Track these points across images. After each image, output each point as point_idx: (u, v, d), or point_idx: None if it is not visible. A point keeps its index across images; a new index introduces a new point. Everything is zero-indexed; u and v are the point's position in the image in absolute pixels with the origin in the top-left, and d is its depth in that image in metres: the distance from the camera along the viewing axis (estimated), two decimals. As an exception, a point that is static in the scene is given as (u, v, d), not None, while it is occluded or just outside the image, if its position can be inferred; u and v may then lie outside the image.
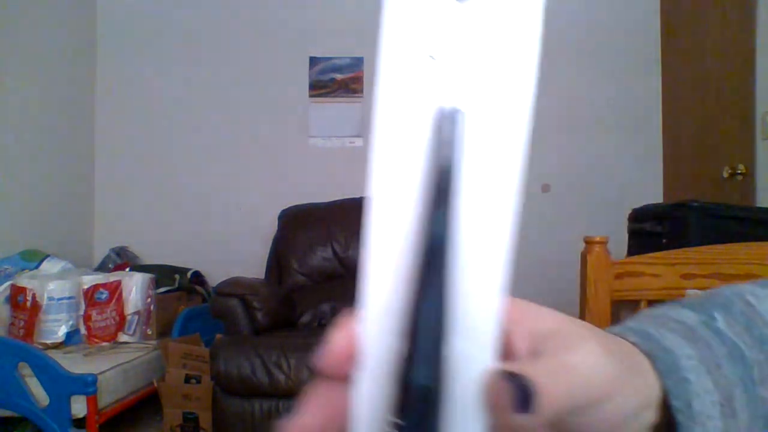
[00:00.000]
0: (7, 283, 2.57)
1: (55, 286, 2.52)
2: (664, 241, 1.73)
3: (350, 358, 0.24)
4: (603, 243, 0.83)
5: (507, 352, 0.26)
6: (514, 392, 0.22)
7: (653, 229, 1.80)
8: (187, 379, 2.41)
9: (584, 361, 0.24)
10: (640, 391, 0.26)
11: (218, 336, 2.46)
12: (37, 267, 2.71)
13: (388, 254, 0.24)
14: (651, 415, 0.27)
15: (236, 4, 3.45)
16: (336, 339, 0.24)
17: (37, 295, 2.47)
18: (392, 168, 0.24)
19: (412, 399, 0.22)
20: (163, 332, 2.75)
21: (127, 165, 3.55)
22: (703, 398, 0.27)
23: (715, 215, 1.70)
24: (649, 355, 0.28)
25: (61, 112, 3.33)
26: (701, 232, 1.65)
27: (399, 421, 0.22)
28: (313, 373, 0.25)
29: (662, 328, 0.30)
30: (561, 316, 0.26)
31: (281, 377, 2.20)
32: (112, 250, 3.33)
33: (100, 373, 2.16)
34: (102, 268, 3.19)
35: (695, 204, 1.73)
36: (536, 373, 0.23)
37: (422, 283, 0.23)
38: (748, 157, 2.38)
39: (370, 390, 0.24)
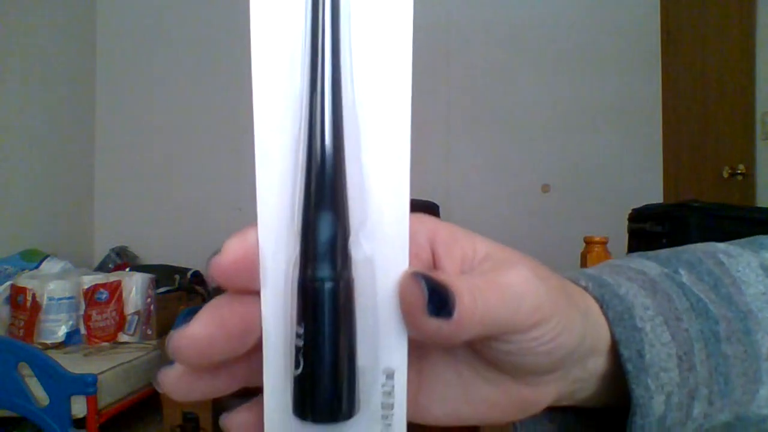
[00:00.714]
0: (7, 283, 2.57)
1: (55, 286, 2.52)
2: (664, 241, 1.73)
3: (246, 268, 0.22)
4: (603, 243, 0.83)
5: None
6: (429, 292, 0.20)
7: (653, 229, 1.80)
8: (187, 379, 2.41)
9: (514, 283, 0.22)
10: (582, 329, 0.25)
11: (218, 336, 2.46)
12: (37, 267, 2.71)
13: (277, 143, 0.21)
14: (600, 363, 0.26)
15: (237, 4, 3.44)
16: (230, 248, 0.22)
17: (37, 295, 2.47)
18: (272, 26, 0.21)
19: (313, 304, 0.20)
20: (163, 332, 2.75)
21: (127, 165, 3.55)
22: (658, 349, 0.26)
23: (715, 215, 1.70)
24: (599, 301, 0.27)
25: (61, 112, 3.33)
26: (701, 232, 1.65)
27: (300, 330, 0.21)
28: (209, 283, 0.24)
29: (620, 276, 0.28)
30: (495, 243, 0.25)
31: (281, 377, 2.20)
32: (112, 250, 3.33)
33: (100, 373, 2.16)
34: (102, 268, 3.19)
35: (695, 204, 1.73)
36: (460, 284, 0.21)
37: (315, 171, 0.21)
38: (748, 157, 2.38)
39: (274, 301, 0.22)
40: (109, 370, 2.25)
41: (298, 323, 0.21)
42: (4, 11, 2.87)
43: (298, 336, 0.21)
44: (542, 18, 3.29)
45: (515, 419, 0.26)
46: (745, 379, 0.28)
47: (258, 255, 0.22)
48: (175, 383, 0.23)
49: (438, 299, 0.20)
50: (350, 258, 0.21)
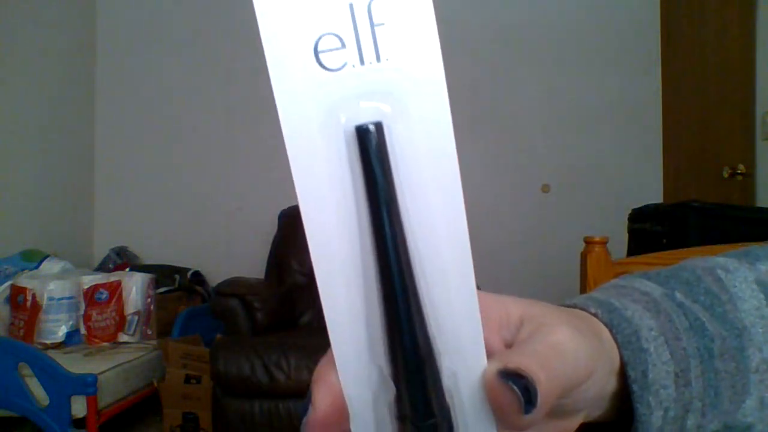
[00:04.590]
0: (7, 283, 2.57)
1: (55, 286, 2.52)
2: (664, 241, 1.73)
3: (339, 417, 0.23)
4: (603, 243, 0.83)
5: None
6: (518, 393, 0.22)
7: (653, 229, 1.80)
8: (187, 379, 2.41)
9: (564, 341, 0.24)
10: (609, 363, 0.27)
11: (218, 336, 2.46)
12: (37, 267, 2.71)
13: (343, 295, 0.22)
14: (613, 383, 0.28)
15: (236, 4, 3.44)
16: (320, 403, 0.23)
17: (37, 295, 2.47)
18: (320, 197, 0.22)
19: None
20: (163, 332, 2.75)
21: (127, 165, 3.55)
22: (659, 368, 0.28)
23: (715, 215, 1.70)
24: (609, 326, 0.28)
25: (61, 112, 3.33)
26: (701, 232, 1.65)
27: None
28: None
29: (625, 298, 0.30)
30: (523, 302, 0.26)
31: (281, 377, 2.20)
32: (112, 250, 3.33)
33: (100, 373, 2.16)
34: (102, 268, 3.19)
35: (695, 204, 1.73)
36: (530, 363, 0.22)
37: (392, 316, 0.21)
38: (748, 157, 2.38)
39: None
40: (109, 370, 2.25)
41: None
42: (4, 11, 2.87)
43: None
44: (542, 18, 3.29)
45: None
46: (733, 391, 0.30)
47: (345, 401, 0.23)
48: None
49: (527, 396, 0.22)
50: (441, 385, 0.22)
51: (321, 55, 0.21)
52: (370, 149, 0.21)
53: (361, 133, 0.21)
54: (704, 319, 0.30)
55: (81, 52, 3.49)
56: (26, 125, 3.05)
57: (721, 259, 0.35)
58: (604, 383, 0.27)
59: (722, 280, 0.33)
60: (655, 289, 0.32)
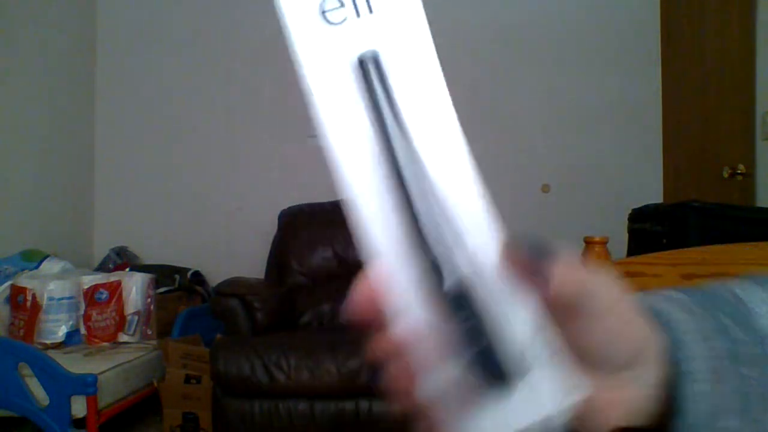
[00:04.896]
0: (7, 283, 2.57)
1: (55, 286, 2.52)
2: (664, 241, 1.73)
3: (377, 301, 0.26)
4: (603, 243, 0.83)
5: None
6: (530, 248, 0.25)
7: (653, 229, 1.80)
8: (187, 380, 2.41)
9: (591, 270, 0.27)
10: (645, 331, 0.28)
11: (218, 336, 2.46)
12: (37, 267, 2.71)
13: (370, 200, 0.28)
14: (653, 372, 0.29)
15: (236, 5, 3.45)
16: (359, 288, 0.27)
17: (37, 295, 2.47)
18: (337, 116, 0.28)
19: (460, 308, 0.26)
20: (163, 332, 2.75)
21: (127, 165, 3.55)
22: (698, 362, 0.29)
23: (715, 215, 1.70)
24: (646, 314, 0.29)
25: (61, 113, 3.33)
26: (701, 232, 1.65)
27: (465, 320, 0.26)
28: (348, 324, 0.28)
29: (654, 297, 0.32)
30: None
31: (281, 377, 2.20)
32: (112, 250, 3.33)
33: (100, 373, 2.16)
34: (102, 268, 3.19)
35: (695, 204, 1.73)
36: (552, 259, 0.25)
37: (410, 205, 0.27)
38: (748, 157, 2.38)
39: (415, 319, 0.26)
40: (109, 370, 2.25)
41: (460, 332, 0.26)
42: (5, 12, 2.87)
43: (464, 320, 0.26)
44: (542, 18, 3.29)
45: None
46: (763, 398, 0.30)
47: (380, 290, 0.27)
48: None
49: (538, 252, 0.26)
50: (465, 257, 0.27)
51: (327, 14, 0.28)
52: (371, 70, 0.27)
53: (363, 60, 0.28)
54: (727, 323, 0.31)
55: (81, 52, 3.49)
56: (26, 125, 3.05)
57: (735, 281, 0.36)
58: (638, 353, 0.28)
59: (740, 296, 0.34)
60: (681, 296, 0.33)
